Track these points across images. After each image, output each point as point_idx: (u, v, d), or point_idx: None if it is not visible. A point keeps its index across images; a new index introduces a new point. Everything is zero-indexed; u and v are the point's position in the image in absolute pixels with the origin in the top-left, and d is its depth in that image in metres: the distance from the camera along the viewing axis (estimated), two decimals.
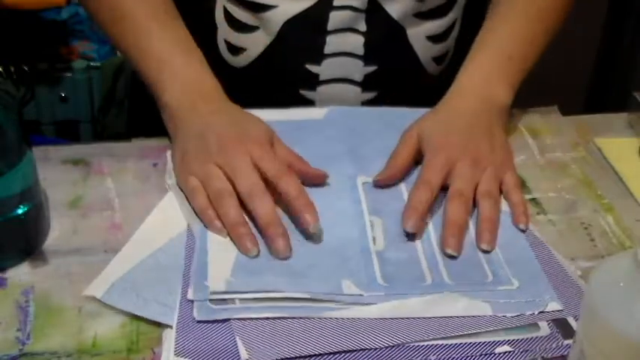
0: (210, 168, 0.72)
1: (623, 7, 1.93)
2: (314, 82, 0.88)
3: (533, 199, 0.79)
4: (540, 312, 0.64)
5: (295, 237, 0.69)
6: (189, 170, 0.74)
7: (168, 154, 0.79)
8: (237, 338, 0.60)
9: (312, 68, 0.88)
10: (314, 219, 0.69)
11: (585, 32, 1.82)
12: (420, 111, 0.84)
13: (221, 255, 0.67)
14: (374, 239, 0.71)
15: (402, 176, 0.78)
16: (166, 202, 0.74)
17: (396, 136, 0.81)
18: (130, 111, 1.12)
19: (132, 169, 0.79)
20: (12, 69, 1.54)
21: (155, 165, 0.80)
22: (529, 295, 0.66)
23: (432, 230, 0.72)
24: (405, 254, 0.70)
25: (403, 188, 0.76)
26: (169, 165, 0.78)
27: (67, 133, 1.65)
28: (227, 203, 0.70)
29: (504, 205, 0.75)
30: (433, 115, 0.82)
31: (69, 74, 1.59)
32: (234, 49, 0.89)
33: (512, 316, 0.64)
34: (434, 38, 0.90)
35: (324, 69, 0.88)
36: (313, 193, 0.73)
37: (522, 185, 0.80)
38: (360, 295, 0.64)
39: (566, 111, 0.92)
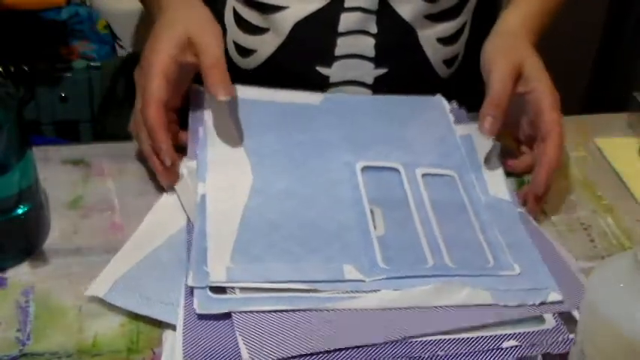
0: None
1: (623, 7, 1.93)
2: (324, 84, 0.88)
3: None
4: (542, 303, 0.64)
5: (295, 221, 0.69)
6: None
7: None
8: (238, 336, 0.59)
9: (323, 70, 0.88)
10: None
11: (585, 32, 1.82)
12: (416, 98, 0.84)
13: (220, 239, 0.67)
14: (374, 225, 0.70)
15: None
16: (166, 200, 0.75)
17: (393, 123, 0.81)
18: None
19: (132, 170, 0.79)
20: (12, 69, 1.54)
21: None
22: (530, 282, 0.66)
23: (432, 214, 0.72)
24: (406, 238, 0.70)
25: (403, 176, 0.76)
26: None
27: (67, 133, 1.65)
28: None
29: (505, 194, 0.75)
30: (527, 47, 0.82)
31: (69, 74, 1.59)
32: (244, 51, 0.89)
33: (514, 306, 0.63)
34: (444, 40, 0.90)
35: (335, 71, 0.88)
36: (310, 180, 0.73)
37: (522, 185, 0.81)
38: (362, 281, 0.64)
39: (566, 111, 0.92)
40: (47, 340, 0.62)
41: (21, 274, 0.67)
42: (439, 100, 0.87)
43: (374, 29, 0.86)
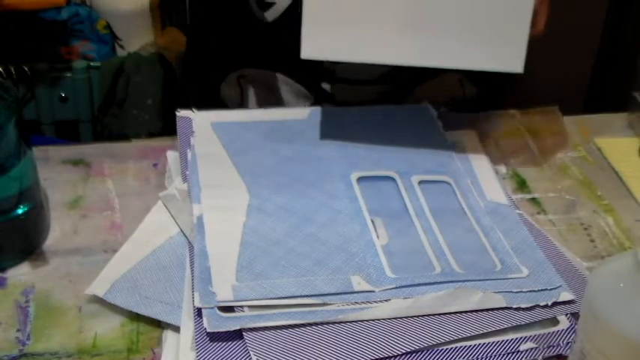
0: None
1: (623, 7, 1.93)
2: None
3: (533, 199, 0.79)
4: (554, 303, 0.64)
5: (297, 236, 0.69)
6: None
7: (169, 154, 0.79)
8: (252, 355, 0.58)
9: None
10: None
11: (585, 32, 1.82)
12: (404, 107, 0.83)
13: (222, 258, 0.66)
14: (377, 235, 0.70)
15: None
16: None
17: (383, 133, 0.81)
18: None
19: (132, 170, 0.79)
20: (12, 69, 1.54)
21: (155, 165, 0.80)
22: (540, 283, 0.66)
23: (433, 221, 0.72)
24: (410, 246, 0.69)
25: (400, 185, 0.76)
26: (170, 167, 0.78)
27: (67, 133, 1.65)
28: None
29: (503, 199, 0.75)
30: None
31: (69, 74, 1.59)
32: (263, 5, 0.87)
33: (527, 308, 0.63)
34: None
35: None
36: (307, 195, 0.73)
37: (522, 185, 0.81)
38: (372, 291, 0.64)
39: (566, 111, 0.92)
40: (47, 340, 0.62)
41: (21, 274, 0.67)
42: (426, 107, 0.87)
43: None
